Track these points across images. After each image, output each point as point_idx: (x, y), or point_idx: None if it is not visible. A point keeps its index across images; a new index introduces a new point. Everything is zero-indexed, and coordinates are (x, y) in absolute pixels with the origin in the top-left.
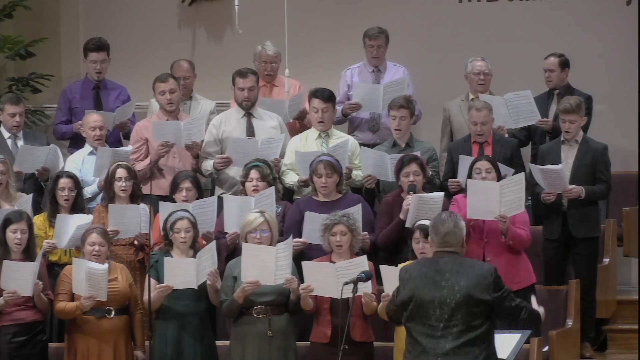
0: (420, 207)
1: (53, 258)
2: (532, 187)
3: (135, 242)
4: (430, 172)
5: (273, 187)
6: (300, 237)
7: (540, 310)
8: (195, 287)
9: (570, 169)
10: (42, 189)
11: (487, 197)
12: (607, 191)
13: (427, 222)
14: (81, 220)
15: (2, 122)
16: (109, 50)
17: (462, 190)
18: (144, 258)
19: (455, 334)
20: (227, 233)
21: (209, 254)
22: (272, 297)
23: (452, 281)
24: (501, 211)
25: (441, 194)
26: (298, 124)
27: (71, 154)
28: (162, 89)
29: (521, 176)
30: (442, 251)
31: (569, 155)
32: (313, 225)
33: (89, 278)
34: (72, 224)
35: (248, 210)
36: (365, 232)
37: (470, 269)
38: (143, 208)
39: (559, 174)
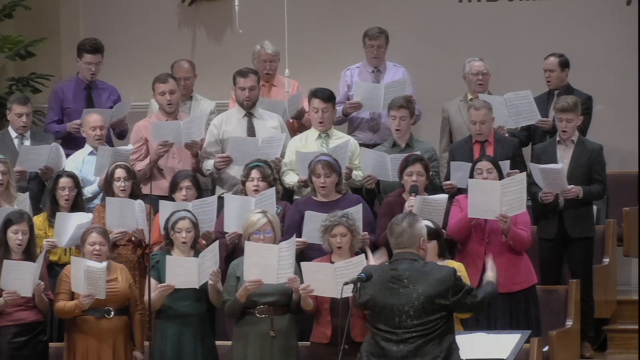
0: (423, 209)
1: (53, 258)
2: (528, 186)
3: (133, 238)
4: (431, 172)
5: (274, 188)
6: (300, 237)
7: (493, 274)
8: (197, 287)
9: (567, 169)
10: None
11: (488, 197)
12: (603, 191)
13: (428, 223)
14: (81, 219)
15: (10, 121)
16: (103, 52)
17: (459, 191)
18: (143, 256)
19: (416, 339)
20: (227, 233)
21: (212, 253)
22: (274, 297)
23: (410, 288)
24: (502, 211)
25: (445, 196)
26: (296, 124)
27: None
28: (161, 89)
29: (522, 176)
30: (400, 253)
31: (565, 155)
32: (313, 224)
33: (88, 276)
34: (72, 223)
35: (248, 211)
36: (366, 232)
37: (428, 275)
38: (139, 204)
39: (559, 174)
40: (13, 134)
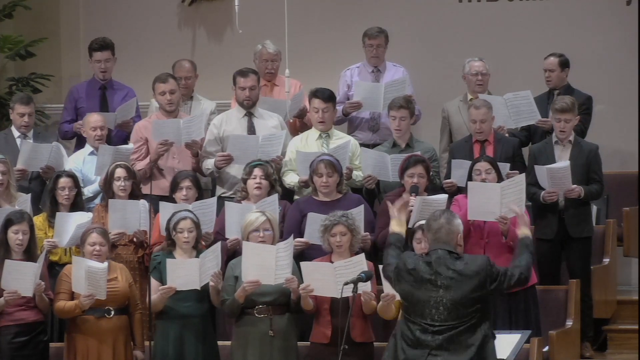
0: (423, 209)
1: (53, 258)
2: (527, 187)
3: (134, 240)
4: (431, 172)
5: (276, 195)
6: (300, 237)
7: (526, 229)
8: (198, 288)
9: None
10: None
11: (487, 199)
12: (601, 191)
13: None
14: (81, 218)
15: (12, 121)
16: (113, 49)
17: (459, 190)
18: (143, 257)
19: (451, 329)
20: (227, 238)
21: (214, 255)
22: (273, 297)
23: (447, 281)
24: (502, 212)
25: (445, 196)
26: (298, 123)
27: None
28: (162, 89)
29: (522, 177)
30: (436, 249)
31: (562, 155)
32: (315, 225)
33: (88, 276)
34: (72, 223)
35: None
36: (367, 233)
37: (465, 267)
38: (143, 204)
39: (565, 172)
40: (16, 133)
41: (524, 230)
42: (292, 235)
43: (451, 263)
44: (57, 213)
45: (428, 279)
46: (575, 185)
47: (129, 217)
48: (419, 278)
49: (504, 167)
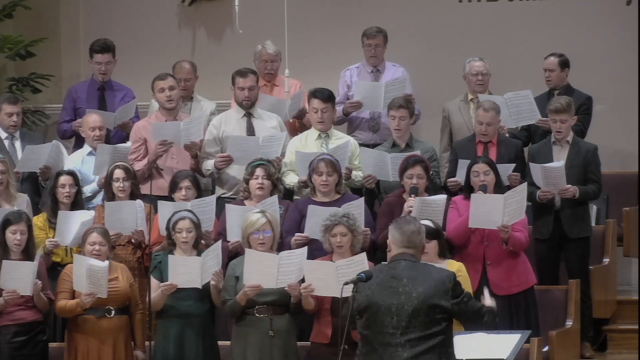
0: (423, 210)
1: (56, 259)
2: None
3: (133, 240)
4: (431, 172)
5: (276, 196)
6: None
7: (493, 303)
8: (200, 287)
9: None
10: (39, 189)
11: (490, 209)
12: (599, 191)
13: (428, 222)
14: (84, 216)
15: (0, 121)
16: (114, 51)
17: (462, 189)
18: (142, 257)
19: (413, 342)
20: (229, 241)
21: (214, 253)
22: (274, 297)
23: (409, 287)
24: (504, 221)
25: (444, 196)
26: (298, 124)
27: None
28: (161, 86)
29: (524, 187)
30: (402, 253)
31: (560, 155)
32: (316, 218)
33: (90, 275)
34: (74, 221)
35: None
36: (367, 229)
37: (428, 275)
38: (139, 204)
39: (559, 172)
40: (3, 134)
41: (490, 302)
42: (305, 248)
43: (415, 270)
44: (60, 212)
45: (389, 286)
46: (569, 185)
47: (125, 218)
48: (381, 287)
49: (508, 167)
